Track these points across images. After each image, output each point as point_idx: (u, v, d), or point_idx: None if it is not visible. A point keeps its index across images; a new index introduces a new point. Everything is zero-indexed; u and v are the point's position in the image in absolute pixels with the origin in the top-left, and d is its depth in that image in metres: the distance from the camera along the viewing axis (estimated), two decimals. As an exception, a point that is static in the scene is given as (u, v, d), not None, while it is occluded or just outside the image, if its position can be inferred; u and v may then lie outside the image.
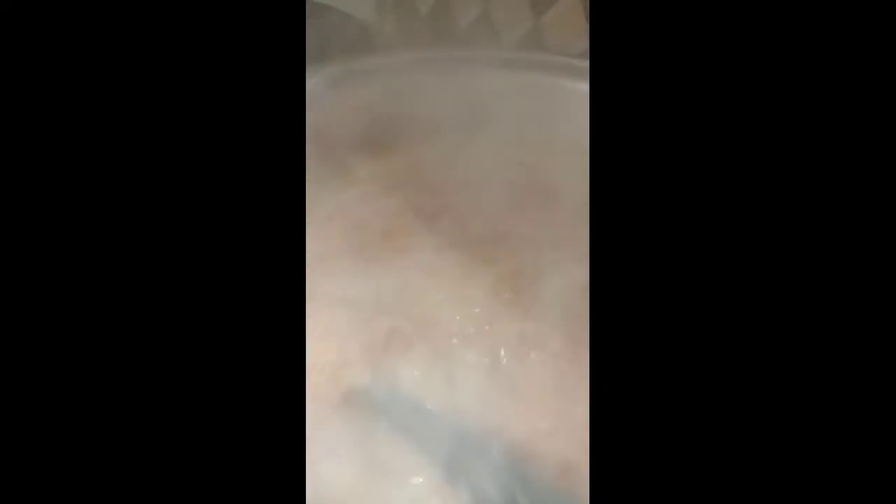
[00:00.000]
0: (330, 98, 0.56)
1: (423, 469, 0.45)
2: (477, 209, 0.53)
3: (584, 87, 0.55)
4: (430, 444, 0.45)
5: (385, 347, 0.49)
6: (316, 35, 0.55)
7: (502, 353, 0.50)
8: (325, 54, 0.57)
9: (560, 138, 0.54)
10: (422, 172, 0.56)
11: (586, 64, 0.54)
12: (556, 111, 0.55)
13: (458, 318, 0.51)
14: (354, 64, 0.57)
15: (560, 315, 0.50)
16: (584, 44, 0.57)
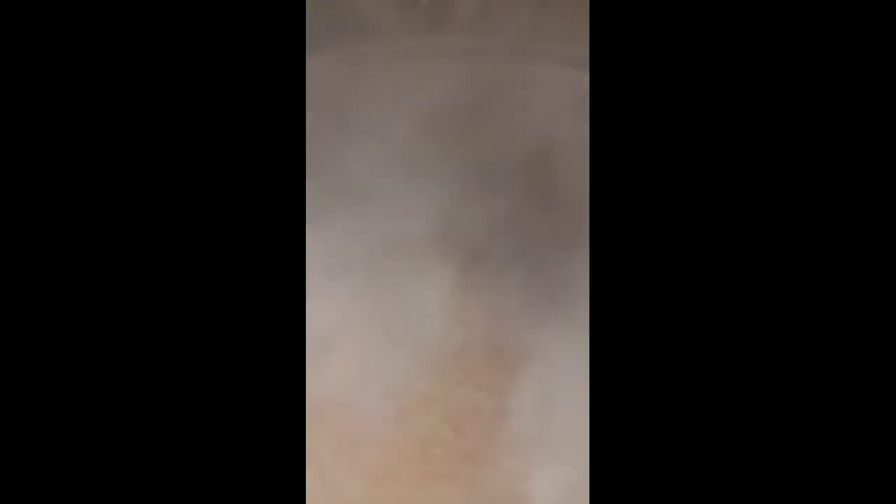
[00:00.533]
0: (327, 87, 0.56)
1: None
2: (477, 201, 0.53)
3: (586, 77, 0.54)
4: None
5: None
6: (314, 23, 0.55)
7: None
8: (323, 43, 0.57)
9: (561, 129, 0.54)
10: (419, 163, 0.56)
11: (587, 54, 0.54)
12: (557, 101, 0.55)
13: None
14: (353, 52, 0.57)
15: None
16: (586, 34, 0.56)
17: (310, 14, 0.49)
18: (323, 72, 0.55)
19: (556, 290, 0.52)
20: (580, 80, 0.54)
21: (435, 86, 0.56)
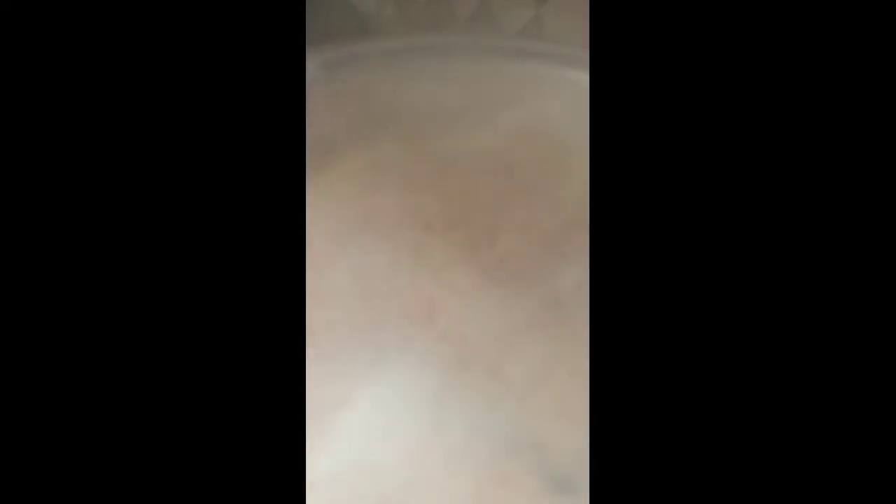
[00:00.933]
0: (326, 84, 0.56)
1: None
2: (477, 201, 0.53)
3: (586, 77, 0.55)
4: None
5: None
6: (313, 20, 0.54)
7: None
8: (322, 40, 0.57)
9: (562, 130, 0.54)
10: (418, 161, 0.56)
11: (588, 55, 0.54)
12: (557, 102, 0.55)
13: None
14: (352, 50, 0.57)
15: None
16: (587, 34, 0.57)
17: (308, 11, 0.49)
18: (322, 69, 0.56)
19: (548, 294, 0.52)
20: (580, 81, 0.54)
21: (435, 85, 0.56)
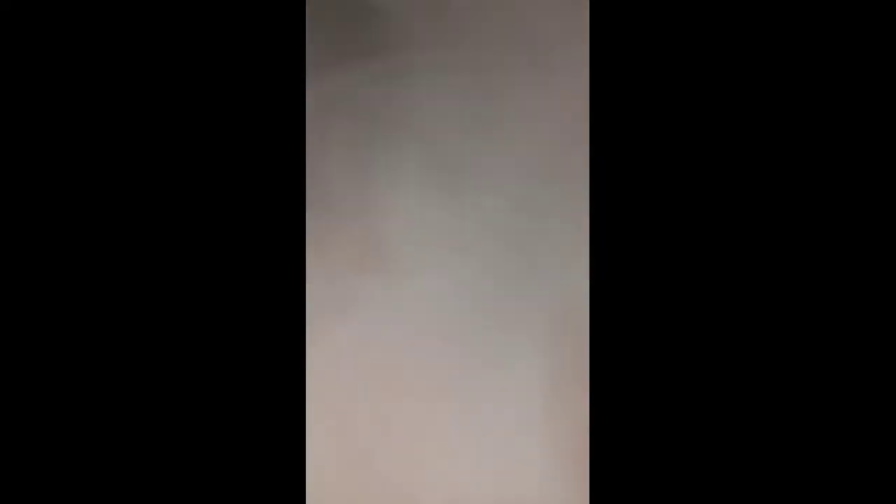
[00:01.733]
0: (355, 97, 0.56)
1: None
2: (484, 205, 0.54)
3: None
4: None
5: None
6: (347, 34, 0.55)
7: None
8: (361, 54, 0.57)
9: (570, 134, 0.54)
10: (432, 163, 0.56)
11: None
12: (569, 109, 0.55)
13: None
14: (385, 62, 0.58)
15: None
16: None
17: (336, 30, 0.50)
18: (351, 85, 0.56)
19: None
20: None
21: (460, 97, 0.56)
